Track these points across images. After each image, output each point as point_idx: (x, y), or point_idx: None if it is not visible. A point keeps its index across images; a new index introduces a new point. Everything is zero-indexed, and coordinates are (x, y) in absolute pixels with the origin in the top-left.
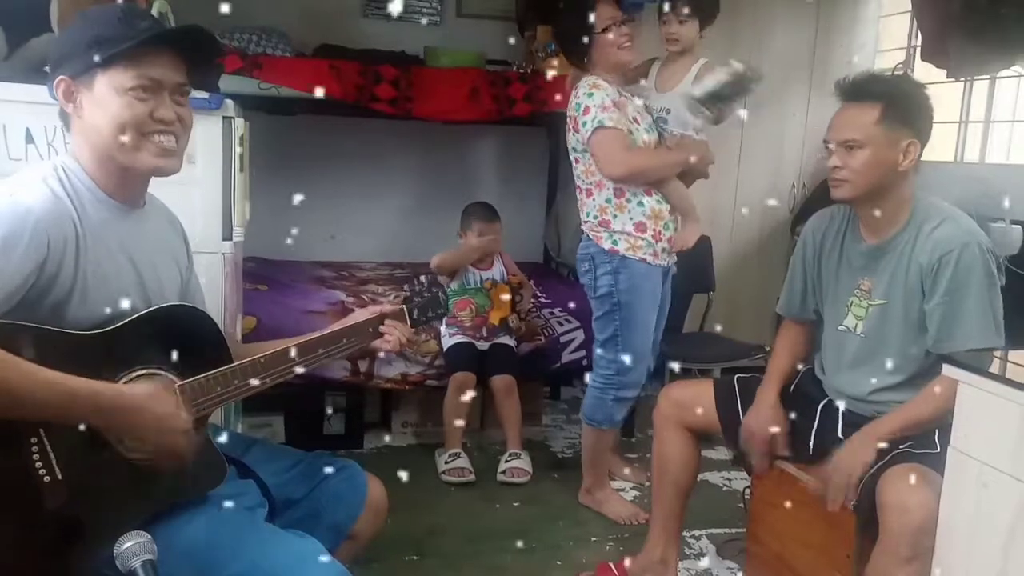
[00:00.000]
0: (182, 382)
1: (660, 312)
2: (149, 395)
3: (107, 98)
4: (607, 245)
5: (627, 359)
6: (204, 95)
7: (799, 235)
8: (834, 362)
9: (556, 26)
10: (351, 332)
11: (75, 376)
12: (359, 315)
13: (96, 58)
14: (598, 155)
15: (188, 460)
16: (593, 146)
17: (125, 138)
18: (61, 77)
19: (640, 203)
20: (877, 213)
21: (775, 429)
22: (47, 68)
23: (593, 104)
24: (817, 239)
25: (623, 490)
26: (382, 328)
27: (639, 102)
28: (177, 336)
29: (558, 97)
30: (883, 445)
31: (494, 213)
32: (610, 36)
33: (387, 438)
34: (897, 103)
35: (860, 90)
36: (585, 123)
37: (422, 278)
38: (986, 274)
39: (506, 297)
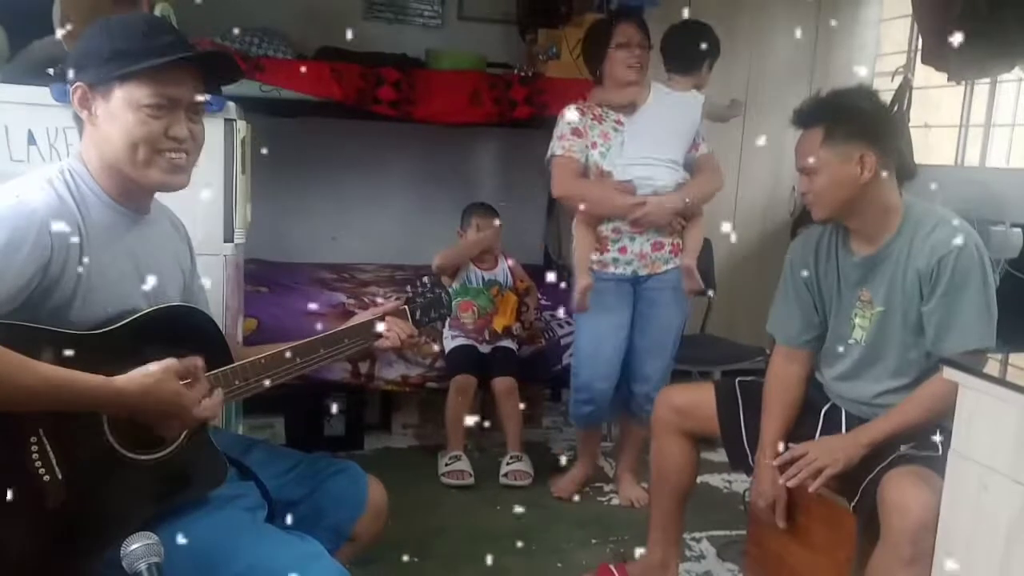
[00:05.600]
0: (183, 382)
1: (637, 323)
2: (150, 385)
3: (122, 112)
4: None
5: (576, 361)
6: (206, 97)
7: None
8: (836, 369)
9: (585, 35)
10: (352, 332)
11: (73, 370)
12: (361, 316)
13: (115, 71)
14: (552, 177)
15: (208, 417)
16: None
17: (137, 154)
18: (78, 84)
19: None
20: (862, 225)
21: (780, 502)
22: (50, 70)
23: (556, 133)
24: (809, 262)
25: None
26: (383, 325)
27: (608, 123)
28: (177, 336)
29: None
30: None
31: (492, 211)
32: (620, 54)
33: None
34: (838, 121)
35: (805, 116)
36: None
37: (425, 279)
38: (982, 275)
39: (512, 305)
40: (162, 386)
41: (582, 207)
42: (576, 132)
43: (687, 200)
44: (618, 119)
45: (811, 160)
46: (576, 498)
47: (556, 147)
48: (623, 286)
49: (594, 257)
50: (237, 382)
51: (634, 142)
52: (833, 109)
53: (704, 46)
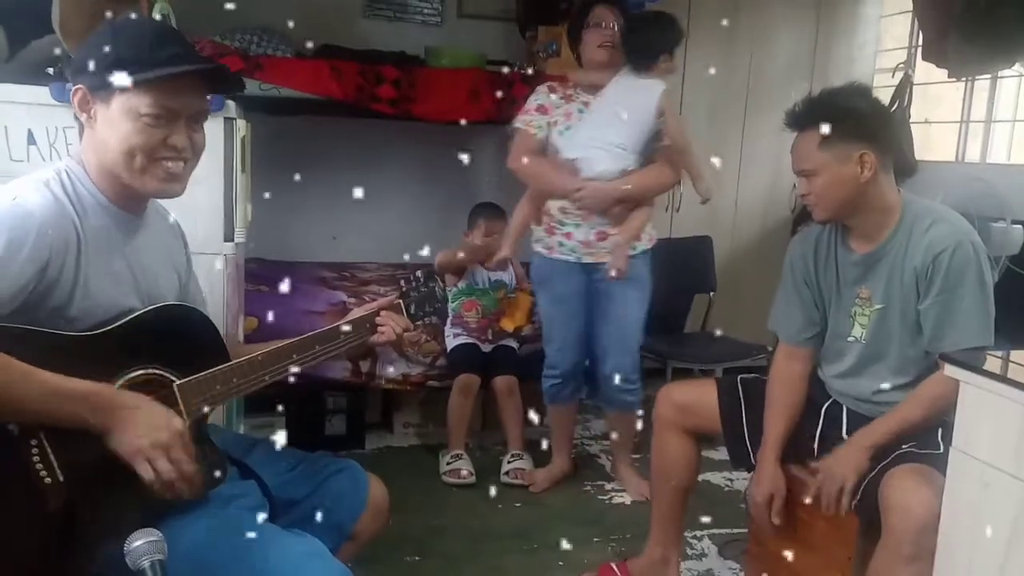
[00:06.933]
0: (180, 381)
1: (596, 310)
2: (143, 398)
3: (121, 119)
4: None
5: (543, 339)
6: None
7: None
8: (836, 367)
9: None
10: (348, 328)
11: (72, 378)
12: (356, 312)
13: (116, 79)
14: (510, 149)
15: (184, 468)
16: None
17: (134, 161)
18: (79, 86)
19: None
20: (862, 224)
21: (777, 498)
22: (50, 69)
23: (525, 106)
24: (809, 261)
25: (622, 492)
26: (377, 320)
27: (576, 104)
28: (174, 336)
29: None
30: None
31: (500, 212)
32: (591, 35)
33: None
34: (835, 121)
35: (801, 118)
36: None
37: (418, 273)
38: (978, 273)
39: (525, 305)
40: (153, 405)
41: (528, 181)
42: (541, 108)
43: (625, 188)
44: (587, 101)
45: (810, 162)
46: (542, 489)
47: (518, 120)
48: (571, 269)
49: (542, 238)
50: (235, 379)
51: (587, 124)
52: (829, 109)
53: (654, 38)
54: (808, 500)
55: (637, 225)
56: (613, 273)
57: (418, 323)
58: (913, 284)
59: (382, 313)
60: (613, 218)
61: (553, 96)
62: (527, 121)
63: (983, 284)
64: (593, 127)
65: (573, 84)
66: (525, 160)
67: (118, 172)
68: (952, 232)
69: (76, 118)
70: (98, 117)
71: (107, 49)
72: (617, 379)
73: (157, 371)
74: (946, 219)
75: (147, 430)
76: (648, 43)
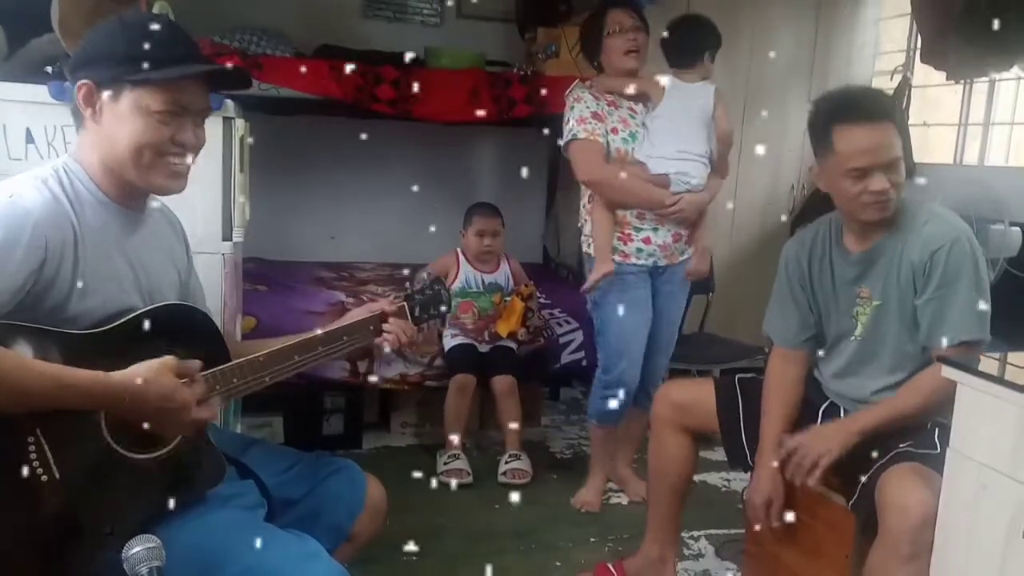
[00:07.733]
0: (181, 381)
1: (656, 315)
2: (148, 380)
3: (131, 115)
4: (585, 247)
5: (604, 357)
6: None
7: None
8: (832, 367)
9: (581, 28)
10: (351, 330)
11: (73, 368)
12: (359, 313)
13: (129, 75)
14: (572, 162)
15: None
16: (569, 155)
17: (142, 158)
18: (85, 81)
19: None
20: (868, 222)
21: (776, 502)
22: (49, 68)
23: (572, 117)
24: (803, 265)
25: (620, 492)
26: (384, 327)
27: (624, 110)
28: (174, 334)
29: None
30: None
31: (495, 211)
32: (615, 42)
33: (386, 438)
34: (897, 114)
35: (878, 108)
36: (564, 134)
37: (424, 274)
38: (975, 269)
39: (518, 310)
40: (160, 379)
41: (609, 193)
42: (596, 116)
43: (712, 196)
44: (631, 107)
45: (898, 151)
46: (598, 507)
47: (578, 130)
48: (645, 277)
49: (617, 247)
50: (235, 380)
51: (664, 135)
52: (891, 103)
53: (700, 38)
54: (775, 464)
55: (707, 224)
56: (693, 275)
57: (422, 326)
58: (910, 280)
59: (391, 320)
60: (689, 223)
61: (600, 102)
62: (590, 130)
63: (979, 280)
64: (674, 139)
65: (606, 91)
66: (604, 172)
67: (124, 168)
68: (949, 229)
69: (74, 114)
70: (104, 112)
71: (116, 45)
72: (655, 380)
73: None
74: (942, 216)
75: (159, 413)
76: (693, 44)
